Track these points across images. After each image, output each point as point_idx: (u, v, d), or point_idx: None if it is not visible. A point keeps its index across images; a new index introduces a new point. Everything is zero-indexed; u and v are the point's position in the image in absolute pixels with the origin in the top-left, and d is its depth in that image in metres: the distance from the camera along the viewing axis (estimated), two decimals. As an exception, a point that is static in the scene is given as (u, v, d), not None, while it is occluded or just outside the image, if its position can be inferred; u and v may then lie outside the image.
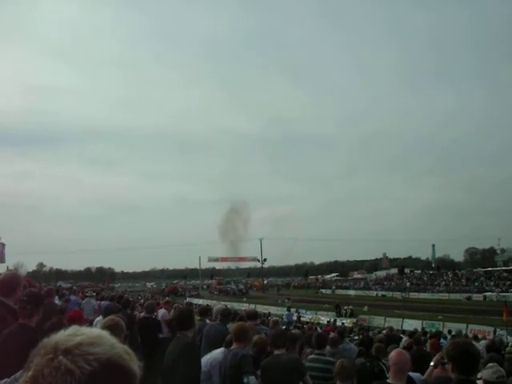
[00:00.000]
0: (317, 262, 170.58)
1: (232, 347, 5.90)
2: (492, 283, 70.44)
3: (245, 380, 5.41)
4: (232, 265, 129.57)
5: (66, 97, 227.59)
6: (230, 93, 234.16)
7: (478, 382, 4.96)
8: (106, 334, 1.16)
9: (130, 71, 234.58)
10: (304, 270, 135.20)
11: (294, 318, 32.95)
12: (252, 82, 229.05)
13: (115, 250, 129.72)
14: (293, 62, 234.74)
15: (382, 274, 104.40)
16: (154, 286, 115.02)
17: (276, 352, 5.77)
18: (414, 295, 70.85)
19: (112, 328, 3.99)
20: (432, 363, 5.94)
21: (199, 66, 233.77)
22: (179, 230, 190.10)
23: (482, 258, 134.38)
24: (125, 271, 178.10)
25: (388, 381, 4.27)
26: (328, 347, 8.66)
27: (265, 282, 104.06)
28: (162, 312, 11.70)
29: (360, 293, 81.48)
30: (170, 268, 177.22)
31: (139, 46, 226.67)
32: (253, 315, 7.77)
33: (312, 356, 6.93)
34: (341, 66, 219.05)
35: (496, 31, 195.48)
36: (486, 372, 4.70)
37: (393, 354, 4.45)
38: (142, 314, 11.03)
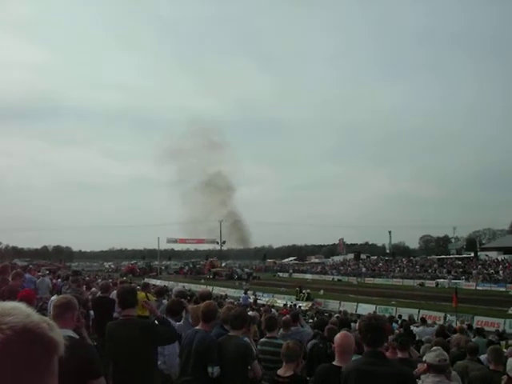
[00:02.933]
0: (275, 246, 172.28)
1: (198, 327, 5.78)
2: (445, 270, 72.16)
3: (209, 370, 5.34)
4: (191, 246, 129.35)
5: (27, 72, 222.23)
6: (194, 75, 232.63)
7: (419, 364, 5.21)
8: (22, 305, 1.16)
9: (93, 49, 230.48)
10: (262, 253, 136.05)
11: (251, 300, 33.18)
12: (219, 65, 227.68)
13: (73, 228, 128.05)
14: (262, 48, 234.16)
15: (338, 259, 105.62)
16: (112, 265, 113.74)
17: (232, 333, 5.72)
18: (369, 280, 72.15)
19: (64, 306, 3.96)
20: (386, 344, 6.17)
21: (163, 48, 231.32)
22: (139, 211, 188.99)
23: (436, 245, 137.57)
24: (83, 250, 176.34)
25: (333, 363, 4.39)
26: (281, 330, 8.82)
27: (223, 264, 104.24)
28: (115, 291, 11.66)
29: (316, 277, 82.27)
30: (129, 248, 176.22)
31: (103, 25, 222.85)
32: (206, 297, 7.78)
33: (263, 339, 6.96)
34: (311, 53, 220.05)
35: (443, 24, 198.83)
36: (429, 355, 4.91)
37: (337, 336, 4.55)
38: (98, 294, 11.00)
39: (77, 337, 3.89)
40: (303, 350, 5.57)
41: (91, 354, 3.68)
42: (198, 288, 43.82)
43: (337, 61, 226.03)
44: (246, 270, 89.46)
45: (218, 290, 46.14)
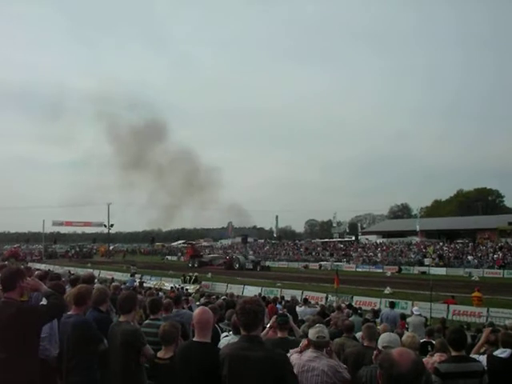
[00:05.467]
0: (164, 229, 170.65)
1: (70, 312, 5.66)
2: (327, 253, 75.17)
3: (102, 347, 5.39)
4: (78, 229, 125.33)
5: None
6: (82, 54, 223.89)
7: (302, 340, 5.46)
8: None
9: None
10: (151, 236, 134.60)
11: (137, 283, 32.76)
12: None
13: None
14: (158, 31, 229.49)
15: (227, 242, 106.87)
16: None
17: (122, 318, 5.67)
18: (256, 263, 73.58)
19: None
20: (268, 325, 6.37)
21: (54, 25, 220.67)
22: (23, 192, 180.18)
23: (320, 229, 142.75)
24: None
25: (194, 339, 4.47)
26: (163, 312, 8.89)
27: (111, 247, 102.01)
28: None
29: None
30: (12, 231, 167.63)
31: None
32: (89, 279, 7.65)
33: (147, 321, 6.95)
34: (198, 38, 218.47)
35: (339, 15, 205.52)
36: (310, 332, 5.18)
37: (196, 312, 4.60)
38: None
39: None
40: (180, 331, 5.58)
41: None
42: (84, 271, 42.73)
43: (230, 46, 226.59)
44: (251, 256, 70.92)
45: (104, 274, 45.05)
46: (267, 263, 67.18)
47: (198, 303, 17.75)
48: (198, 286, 37.46)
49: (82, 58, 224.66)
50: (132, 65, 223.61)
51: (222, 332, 7.38)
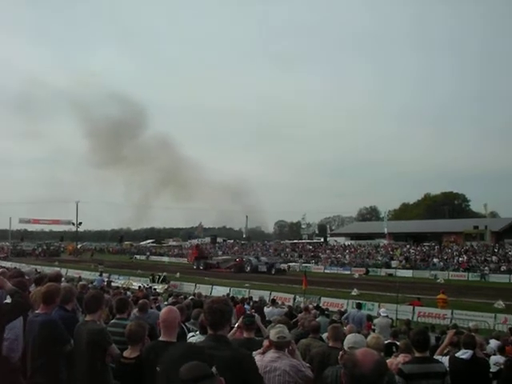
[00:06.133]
0: (133, 228, 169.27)
1: (38, 311, 5.58)
2: (296, 254, 75.48)
3: (68, 347, 5.33)
4: (45, 227, 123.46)
5: None
6: (51, 48, 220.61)
7: (265, 341, 5.50)
8: None
9: None
10: (119, 235, 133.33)
11: (105, 283, 32.47)
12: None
13: None
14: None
15: (196, 242, 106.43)
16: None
17: (88, 317, 5.63)
18: (224, 264, 73.71)
19: None
20: (236, 325, 6.40)
21: (23, 17, 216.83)
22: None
23: (289, 230, 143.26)
24: None
25: (160, 338, 4.47)
26: (135, 311, 8.86)
27: (79, 246, 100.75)
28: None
29: (174, 260, 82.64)
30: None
31: None
32: (56, 278, 7.56)
33: (113, 321, 6.90)
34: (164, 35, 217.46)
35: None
36: (271, 332, 5.23)
37: (162, 311, 4.65)
38: None
39: None
40: (148, 330, 5.56)
41: None
42: (51, 270, 42.17)
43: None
44: (264, 258, 64.51)
45: (72, 273, 44.47)
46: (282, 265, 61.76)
47: (166, 303, 17.69)
48: (166, 286, 37.30)
49: (54, 52, 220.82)
50: (106, 62, 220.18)
51: (189, 332, 7.38)
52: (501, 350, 10.75)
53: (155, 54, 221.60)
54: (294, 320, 13.58)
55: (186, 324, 8.11)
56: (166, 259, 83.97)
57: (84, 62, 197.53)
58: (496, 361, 9.07)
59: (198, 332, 6.76)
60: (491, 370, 7.37)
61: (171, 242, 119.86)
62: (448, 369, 6.09)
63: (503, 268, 53.91)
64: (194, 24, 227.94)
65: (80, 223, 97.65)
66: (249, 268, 57.84)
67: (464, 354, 6.66)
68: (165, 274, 42.47)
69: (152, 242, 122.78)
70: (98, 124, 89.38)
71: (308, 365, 5.42)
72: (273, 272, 55.74)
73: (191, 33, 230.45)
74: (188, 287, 37.48)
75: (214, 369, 2.15)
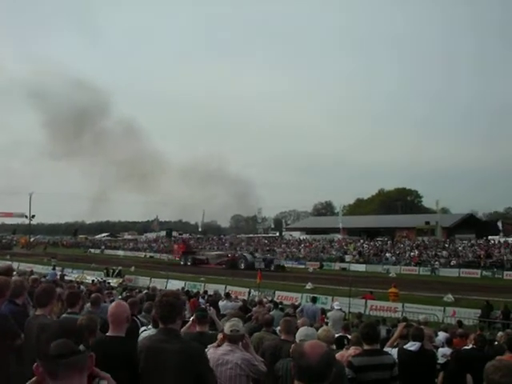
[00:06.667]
0: (88, 222, 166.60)
1: None
2: (252, 248, 75.65)
3: (19, 342, 5.24)
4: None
5: None
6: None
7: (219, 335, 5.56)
8: None
9: None
10: (74, 228, 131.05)
11: (58, 276, 31.94)
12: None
13: None
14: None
15: (152, 236, 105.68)
16: None
17: (38, 311, 5.55)
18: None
19: None
20: (191, 319, 6.41)
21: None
22: None
23: (246, 224, 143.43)
24: None
25: (108, 333, 4.45)
26: (88, 306, 8.79)
27: (31, 239, 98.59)
28: None
29: (129, 253, 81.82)
30: None
31: None
32: (7, 272, 7.41)
33: (64, 315, 6.68)
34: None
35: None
36: (225, 326, 5.30)
37: (111, 305, 4.61)
38: None
39: None
40: (99, 324, 5.51)
41: None
42: (2, 264, 41.12)
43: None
44: (258, 254, 61.46)
45: (24, 266, 43.42)
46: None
47: (120, 297, 17.55)
48: (120, 280, 36.92)
49: (8, 38, 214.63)
50: (64, 51, 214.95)
51: (142, 325, 7.36)
52: (448, 343, 11.06)
53: (112, 42, 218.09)
54: (250, 314, 13.65)
55: (139, 318, 8.08)
56: (121, 253, 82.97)
57: (42, 48, 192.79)
58: (444, 353, 9.36)
59: (150, 326, 6.74)
60: (439, 362, 7.60)
61: (126, 236, 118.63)
62: (396, 360, 6.25)
63: (453, 262, 55.24)
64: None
65: (33, 216, 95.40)
66: (243, 264, 54.85)
67: (412, 345, 6.85)
68: (120, 267, 42.03)
69: (107, 236, 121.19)
70: (56, 113, 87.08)
71: (262, 359, 5.49)
72: (272, 268, 53.99)
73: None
74: (143, 281, 37.19)
75: (81, 346, 2.22)
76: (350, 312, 22.27)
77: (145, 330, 6.59)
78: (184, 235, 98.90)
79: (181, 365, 3.77)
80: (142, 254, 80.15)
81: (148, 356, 3.96)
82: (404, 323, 9.03)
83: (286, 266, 58.59)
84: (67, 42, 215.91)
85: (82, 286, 20.91)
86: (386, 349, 6.88)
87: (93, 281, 31.50)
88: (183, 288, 29.17)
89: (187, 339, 4.28)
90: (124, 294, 19.55)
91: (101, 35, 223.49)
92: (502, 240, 62.54)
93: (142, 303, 9.69)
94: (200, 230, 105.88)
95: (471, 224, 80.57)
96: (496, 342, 10.90)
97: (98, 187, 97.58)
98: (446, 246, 62.72)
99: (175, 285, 32.89)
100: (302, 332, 5.49)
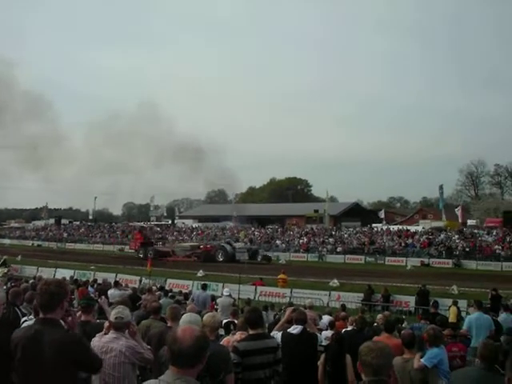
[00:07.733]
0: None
1: None
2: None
3: None
4: None
5: None
6: None
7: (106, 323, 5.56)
8: None
9: None
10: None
11: None
12: None
13: None
14: None
15: (40, 223, 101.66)
16: None
17: None
18: (70, 246, 71.99)
19: None
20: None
21: None
22: None
23: (138, 212, 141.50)
24: None
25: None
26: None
27: None
28: None
29: (16, 242, 78.36)
30: None
31: None
32: None
33: None
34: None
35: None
36: (111, 313, 5.33)
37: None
38: None
39: None
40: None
41: None
42: None
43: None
44: (239, 244, 55.63)
45: None
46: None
47: (5, 287, 16.85)
48: (5, 270, 35.28)
49: None
50: None
51: (23, 316, 7.16)
52: (331, 325, 11.60)
53: None
54: (140, 302, 13.60)
55: (21, 308, 7.84)
56: (7, 241, 78.95)
57: None
58: (326, 335, 9.84)
59: (31, 316, 6.58)
60: (322, 344, 7.98)
61: (13, 224, 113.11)
62: (280, 343, 6.52)
63: (339, 249, 57.47)
64: None
65: None
66: (222, 256, 48.75)
67: (294, 329, 7.15)
68: (5, 257, 40.14)
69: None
70: None
71: (148, 346, 5.55)
72: (259, 259, 49.31)
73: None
74: (30, 270, 35.72)
75: None
76: (239, 298, 22.66)
77: (25, 321, 6.42)
78: (74, 223, 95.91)
79: (56, 354, 3.73)
80: (29, 243, 76.91)
81: (25, 346, 3.90)
82: (292, 308, 9.35)
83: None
84: None
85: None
86: (272, 333, 7.12)
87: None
88: (72, 277, 28.34)
89: (65, 329, 4.24)
90: (9, 284, 18.71)
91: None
92: (385, 228, 66.18)
93: (26, 293, 9.40)
94: (91, 217, 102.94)
95: (357, 212, 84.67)
96: (375, 324, 11.60)
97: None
98: (333, 233, 65.22)
99: (64, 274, 31.73)
100: (185, 318, 5.56)
